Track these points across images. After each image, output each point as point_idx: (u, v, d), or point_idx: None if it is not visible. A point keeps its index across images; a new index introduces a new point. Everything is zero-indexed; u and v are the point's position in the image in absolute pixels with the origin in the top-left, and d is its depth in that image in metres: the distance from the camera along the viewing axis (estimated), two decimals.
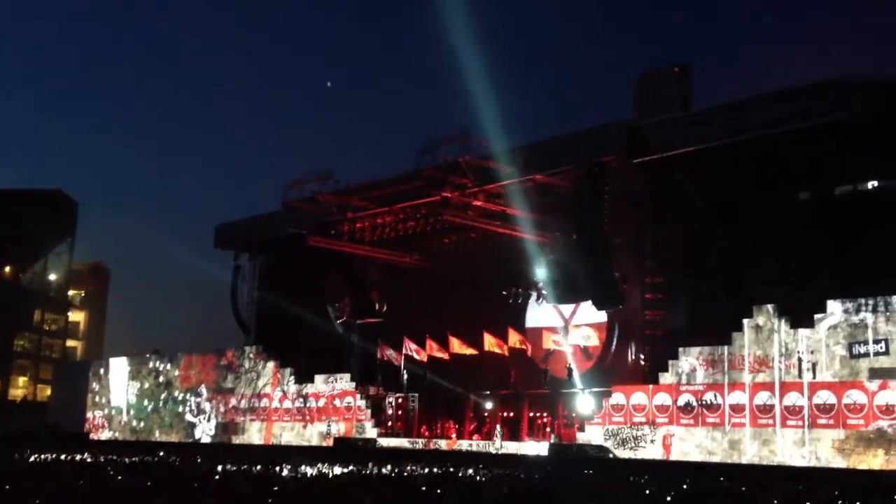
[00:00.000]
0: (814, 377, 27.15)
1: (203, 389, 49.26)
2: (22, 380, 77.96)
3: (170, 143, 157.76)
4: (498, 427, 36.63)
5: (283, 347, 46.50)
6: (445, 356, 40.74)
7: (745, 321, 29.14)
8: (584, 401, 35.55)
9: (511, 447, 34.92)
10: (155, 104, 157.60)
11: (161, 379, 52.09)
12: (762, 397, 28.19)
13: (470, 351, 39.85)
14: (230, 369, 48.11)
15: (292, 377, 44.89)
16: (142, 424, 52.47)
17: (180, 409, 50.36)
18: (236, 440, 46.11)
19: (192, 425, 49.35)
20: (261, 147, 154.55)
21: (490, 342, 39.15)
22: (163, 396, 51.64)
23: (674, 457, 29.65)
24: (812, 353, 27.34)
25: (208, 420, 48.55)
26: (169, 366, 51.90)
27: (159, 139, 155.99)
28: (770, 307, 28.76)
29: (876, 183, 31.07)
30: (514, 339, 39.09)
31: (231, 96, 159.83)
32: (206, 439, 48.09)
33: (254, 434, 45.74)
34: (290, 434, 43.97)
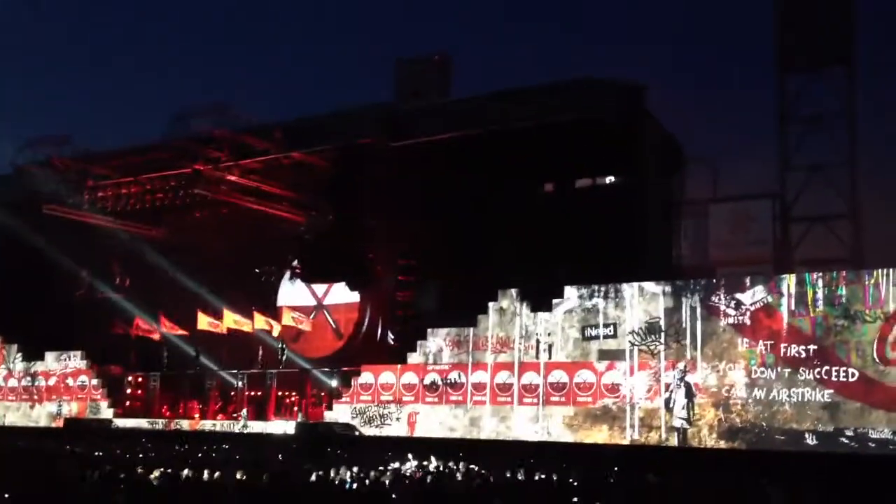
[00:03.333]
0: (549, 358, 28.86)
1: None
2: None
3: None
4: (244, 410, 35.81)
5: (9, 322, 42.71)
6: (189, 334, 39.23)
7: (490, 304, 30.41)
8: (332, 380, 35.65)
9: (258, 427, 34.30)
10: None
11: None
12: (502, 376, 29.57)
13: (217, 328, 38.61)
14: None
15: (19, 354, 41.50)
16: None
17: None
18: None
19: None
20: None
21: (239, 320, 38.18)
22: None
23: (417, 434, 30.43)
24: (549, 335, 29.03)
25: None
26: None
27: None
28: (513, 291, 30.17)
29: (613, 178, 33.50)
30: (263, 318, 38.30)
31: None
32: None
33: None
34: (15, 414, 40.63)
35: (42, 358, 40.85)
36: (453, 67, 39.89)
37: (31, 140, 38.86)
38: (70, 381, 39.67)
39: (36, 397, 40.31)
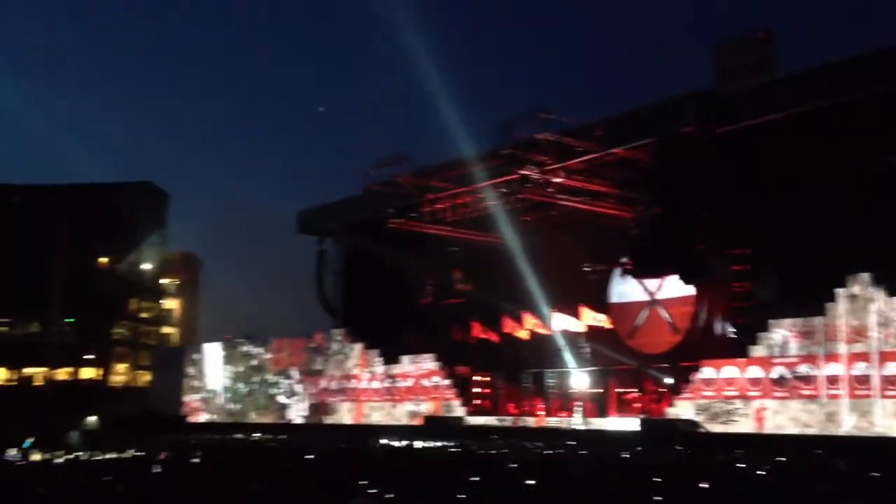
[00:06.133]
0: None
1: (294, 372, 50.35)
2: (121, 367, 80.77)
3: (250, 132, 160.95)
4: (579, 404, 36.43)
5: (369, 329, 47.12)
6: (530, 333, 40.67)
7: (840, 291, 28.30)
8: (669, 376, 35.17)
9: (599, 424, 34.75)
10: (236, 90, 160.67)
11: (254, 363, 53.43)
12: (859, 368, 27.41)
13: (554, 328, 39.64)
14: (319, 352, 49.08)
15: (379, 358, 45.55)
16: (237, 407, 53.98)
17: (273, 391, 51.62)
18: (328, 421, 47.06)
19: (286, 407, 50.53)
20: (338, 131, 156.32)
21: (576, 318, 38.90)
22: (256, 379, 52.97)
23: (768, 430, 29.10)
24: None
25: (300, 401, 49.68)
26: (261, 350, 53.19)
27: (240, 129, 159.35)
28: (866, 276, 27.89)
29: None
30: (597, 315, 38.70)
31: (307, 82, 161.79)
32: (298, 420, 49.24)
33: (344, 414, 46.63)
34: (379, 414, 44.67)
35: (399, 361, 44.52)
36: (776, 44, 37.53)
37: (376, 163, 42.27)
38: (424, 382, 42.87)
39: (396, 397, 44.04)
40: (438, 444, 26.97)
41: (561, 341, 39.90)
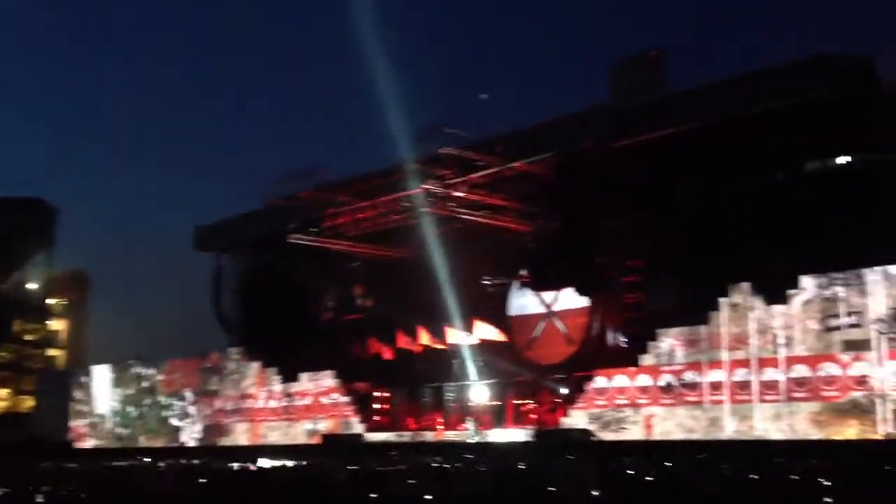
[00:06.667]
0: (789, 352, 27.60)
1: (188, 393, 49.16)
2: (3, 392, 77.28)
3: (146, 143, 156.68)
4: (471, 418, 36.80)
5: (267, 347, 46.40)
6: (429, 347, 40.88)
7: (722, 300, 29.50)
8: (564, 386, 35.89)
9: (496, 435, 35.18)
10: (129, 103, 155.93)
11: (145, 385, 51.91)
12: (740, 374, 28.63)
13: (453, 341, 39.99)
14: (214, 371, 48.05)
15: (277, 376, 44.92)
16: (126, 431, 52.31)
17: (165, 413, 50.24)
18: (223, 442, 46.07)
19: (178, 430, 49.25)
20: (241, 146, 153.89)
21: (474, 331, 39.33)
22: (147, 402, 51.46)
23: (655, 437, 30.05)
24: (787, 328, 27.77)
25: (194, 423, 48.49)
26: (153, 371, 51.72)
27: (135, 140, 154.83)
28: (745, 286, 29.16)
29: (848, 159, 31.39)
30: (495, 328, 39.27)
31: (209, 93, 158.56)
32: (191, 443, 48.03)
33: (240, 435, 45.72)
34: (276, 434, 44.01)
35: (297, 379, 43.98)
36: (668, 62, 38.88)
37: (281, 176, 41.77)
38: (323, 400, 42.48)
39: (294, 416, 43.47)
40: (336, 462, 26.74)
41: (459, 354, 40.22)
